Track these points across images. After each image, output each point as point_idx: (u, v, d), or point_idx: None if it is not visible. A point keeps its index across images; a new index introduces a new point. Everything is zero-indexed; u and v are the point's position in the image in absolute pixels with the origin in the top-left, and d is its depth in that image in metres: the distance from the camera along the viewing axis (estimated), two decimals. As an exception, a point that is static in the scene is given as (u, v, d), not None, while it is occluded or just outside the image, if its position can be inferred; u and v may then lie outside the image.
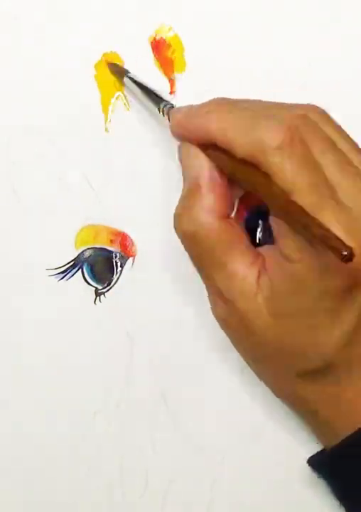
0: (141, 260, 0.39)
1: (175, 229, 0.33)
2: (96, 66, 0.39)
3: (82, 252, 0.38)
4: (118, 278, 0.38)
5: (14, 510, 0.38)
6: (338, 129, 0.32)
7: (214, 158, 0.33)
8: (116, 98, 0.39)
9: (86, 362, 0.38)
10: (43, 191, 0.39)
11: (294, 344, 0.32)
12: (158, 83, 0.39)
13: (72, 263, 0.38)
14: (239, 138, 0.31)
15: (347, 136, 0.33)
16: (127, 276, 0.38)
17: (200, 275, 0.34)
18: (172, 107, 0.35)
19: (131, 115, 0.39)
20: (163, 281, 0.38)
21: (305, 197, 0.29)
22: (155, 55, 0.39)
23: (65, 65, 0.39)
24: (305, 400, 0.33)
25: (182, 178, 0.34)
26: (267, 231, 0.39)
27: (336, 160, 0.31)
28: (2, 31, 0.39)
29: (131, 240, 0.38)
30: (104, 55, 0.39)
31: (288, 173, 0.29)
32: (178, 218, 0.33)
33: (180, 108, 0.34)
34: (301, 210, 0.28)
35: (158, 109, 0.36)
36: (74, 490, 0.38)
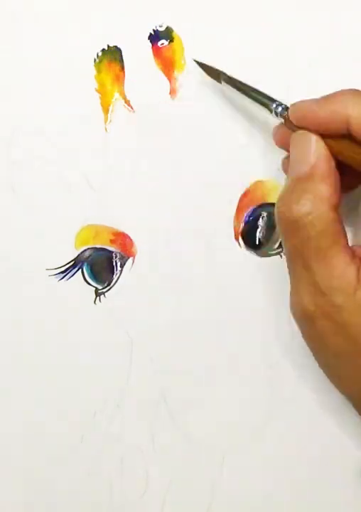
0: (141, 260, 0.39)
1: (281, 213, 0.33)
2: (96, 66, 0.39)
3: (82, 252, 0.38)
4: (118, 278, 0.38)
5: (14, 510, 0.38)
6: None
7: (341, 147, 0.32)
8: (116, 98, 0.39)
9: (86, 362, 0.38)
10: (43, 191, 0.39)
11: None
12: (158, 83, 0.39)
13: (72, 263, 0.38)
14: None
15: None
16: (127, 276, 0.38)
17: (292, 264, 0.33)
18: (286, 107, 0.35)
19: (131, 115, 0.39)
20: (163, 281, 0.38)
21: None
22: (155, 55, 0.39)
23: (64, 65, 0.39)
24: None
25: (281, 167, 0.34)
26: (267, 231, 0.39)
27: None
28: (2, 31, 0.39)
29: (131, 240, 0.38)
30: (105, 53, 0.39)
31: None
32: (287, 201, 0.32)
33: (302, 101, 0.34)
34: None
35: (270, 110, 0.35)
36: (74, 490, 0.38)
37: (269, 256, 0.39)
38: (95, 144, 0.39)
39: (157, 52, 0.39)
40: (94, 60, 0.39)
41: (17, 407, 0.38)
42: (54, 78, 0.39)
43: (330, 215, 0.32)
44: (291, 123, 0.34)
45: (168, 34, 0.39)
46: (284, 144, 0.36)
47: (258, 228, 0.39)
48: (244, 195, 0.38)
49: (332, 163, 0.33)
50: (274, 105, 0.35)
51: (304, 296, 0.33)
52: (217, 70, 0.38)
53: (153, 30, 0.39)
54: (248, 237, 0.39)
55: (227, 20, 0.39)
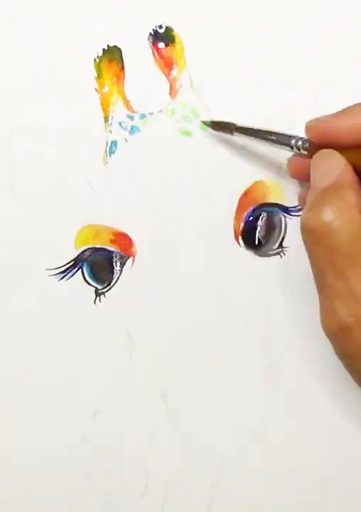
0: (141, 260, 0.39)
1: (309, 222, 0.32)
2: (96, 66, 0.39)
3: (82, 252, 0.38)
4: (118, 278, 0.38)
5: (14, 510, 0.38)
6: None
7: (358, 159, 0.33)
8: (116, 98, 0.39)
9: (86, 362, 0.38)
10: (43, 191, 0.39)
11: None
12: (158, 83, 0.39)
13: (72, 263, 0.38)
14: None
15: None
16: (127, 276, 0.38)
17: (322, 276, 0.32)
18: (304, 139, 0.35)
19: (131, 115, 0.39)
20: (163, 281, 0.38)
21: None
22: (155, 55, 0.39)
23: (65, 65, 0.39)
24: None
25: (306, 184, 0.34)
26: (267, 231, 0.39)
27: None
28: (2, 31, 0.39)
29: (131, 240, 0.38)
30: (105, 53, 0.39)
31: None
32: (318, 210, 0.32)
33: (317, 119, 0.34)
34: None
35: (291, 147, 0.35)
36: (75, 490, 0.38)
37: (269, 256, 0.39)
38: (95, 144, 0.39)
39: (157, 52, 0.39)
40: (94, 60, 0.39)
41: (17, 407, 0.38)
42: (54, 78, 0.39)
43: (360, 219, 0.31)
44: (314, 151, 0.34)
45: (168, 34, 0.39)
46: (300, 173, 0.36)
47: (258, 228, 0.39)
48: (244, 195, 0.38)
49: (355, 175, 0.33)
50: (294, 141, 0.35)
51: (339, 307, 0.31)
52: (227, 123, 0.38)
53: (153, 30, 0.39)
54: (248, 237, 0.39)
55: (227, 21, 0.39)
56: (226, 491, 0.38)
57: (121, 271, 0.38)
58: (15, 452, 0.38)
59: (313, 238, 0.32)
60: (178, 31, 0.39)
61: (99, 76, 0.39)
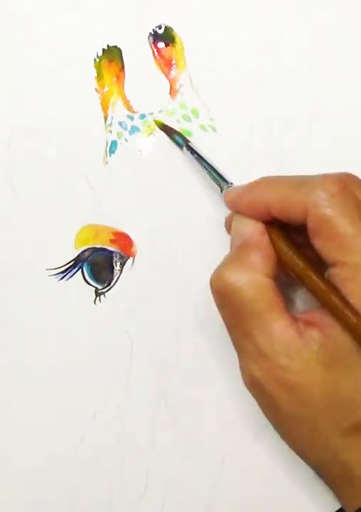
0: (141, 260, 0.39)
1: (214, 283, 0.33)
2: (96, 66, 0.39)
3: (82, 252, 0.38)
4: (118, 278, 0.38)
5: (14, 510, 0.38)
6: None
7: (272, 234, 0.33)
8: (116, 98, 0.39)
9: (86, 362, 0.38)
10: (43, 191, 0.39)
11: (349, 394, 0.31)
12: (158, 83, 0.39)
13: (72, 263, 0.38)
14: (292, 195, 0.32)
15: None
16: (127, 276, 0.38)
17: (232, 335, 0.33)
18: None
19: (131, 115, 0.39)
20: (163, 281, 0.38)
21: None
22: (155, 55, 0.39)
23: (65, 65, 0.39)
24: (346, 463, 0.32)
25: (228, 244, 0.34)
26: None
27: None
28: (2, 31, 0.39)
29: (131, 240, 0.38)
30: (105, 53, 0.39)
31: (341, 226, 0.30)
32: (222, 272, 0.33)
33: (233, 188, 0.35)
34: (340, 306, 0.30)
35: (220, 189, 0.36)
36: (75, 490, 0.38)
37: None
38: (95, 144, 0.39)
39: (157, 52, 0.39)
40: (94, 60, 0.39)
41: (17, 407, 0.38)
42: (54, 78, 0.39)
43: (263, 280, 0.32)
44: None
45: (168, 34, 0.39)
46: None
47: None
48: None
49: (266, 237, 0.33)
50: (225, 186, 0.36)
51: (249, 363, 0.33)
52: (181, 136, 0.38)
53: (153, 30, 0.39)
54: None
55: (227, 21, 0.39)
56: (226, 491, 0.38)
57: (121, 271, 0.38)
58: (16, 452, 0.38)
59: (219, 298, 0.33)
60: (178, 31, 0.39)
61: (99, 76, 0.39)
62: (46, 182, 0.39)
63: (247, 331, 0.32)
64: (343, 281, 0.31)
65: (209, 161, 0.37)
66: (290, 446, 0.34)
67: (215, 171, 0.37)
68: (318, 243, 0.31)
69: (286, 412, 0.32)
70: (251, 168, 0.38)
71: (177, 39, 0.39)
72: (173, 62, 0.39)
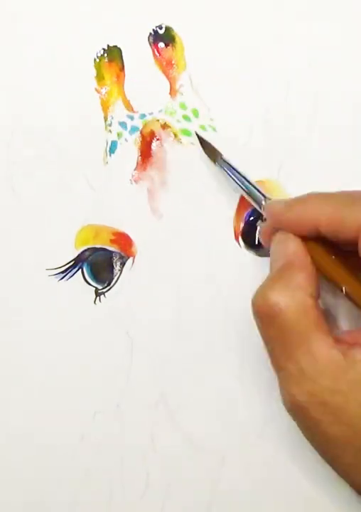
0: (141, 260, 0.39)
1: (257, 303, 0.32)
2: (96, 66, 0.39)
3: (82, 252, 0.38)
4: (118, 278, 0.38)
5: (14, 510, 0.38)
6: None
7: (312, 250, 0.33)
8: (116, 98, 0.39)
9: (86, 362, 0.38)
10: (43, 191, 0.39)
11: None
12: (158, 83, 0.39)
13: (72, 263, 0.38)
14: (344, 212, 0.31)
15: None
16: (127, 276, 0.38)
17: (274, 358, 0.33)
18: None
19: (131, 115, 0.39)
20: (163, 281, 0.38)
21: None
22: (155, 55, 0.39)
23: (65, 65, 0.39)
24: None
25: (269, 264, 0.34)
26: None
27: None
28: (2, 31, 0.39)
29: (131, 240, 0.38)
30: (105, 53, 0.39)
31: None
32: (266, 292, 0.32)
33: (277, 201, 0.35)
34: None
35: (260, 207, 0.36)
36: (75, 490, 0.38)
37: (269, 256, 0.39)
38: (95, 144, 0.39)
39: (157, 52, 0.39)
40: (94, 60, 0.39)
41: (17, 407, 0.38)
42: (54, 78, 0.39)
43: (308, 301, 0.32)
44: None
45: (168, 34, 0.39)
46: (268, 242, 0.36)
47: (258, 228, 0.38)
48: (243, 196, 0.38)
49: (309, 257, 0.33)
50: (264, 200, 0.36)
51: (292, 387, 0.32)
52: (215, 149, 0.38)
53: (153, 30, 0.39)
54: (248, 237, 0.39)
55: (227, 21, 0.39)
56: (226, 491, 0.38)
57: (121, 271, 0.38)
58: (16, 452, 0.38)
59: (262, 319, 0.32)
60: (178, 31, 0.39)
61: (99, 76, 0.39)
62: (46, 182, 0.39)
63: (290, 352, 0.31)
64: None
65: (243, 175, 0.37)
66: (334, 468, 0.33)
67: (252, 184, 0.36)
68: None
69: (330, 436, 0.31)
70: (251, 168, 0.38)
71: (177, 39, 0.39)
72: (173, 62, 0.39)
